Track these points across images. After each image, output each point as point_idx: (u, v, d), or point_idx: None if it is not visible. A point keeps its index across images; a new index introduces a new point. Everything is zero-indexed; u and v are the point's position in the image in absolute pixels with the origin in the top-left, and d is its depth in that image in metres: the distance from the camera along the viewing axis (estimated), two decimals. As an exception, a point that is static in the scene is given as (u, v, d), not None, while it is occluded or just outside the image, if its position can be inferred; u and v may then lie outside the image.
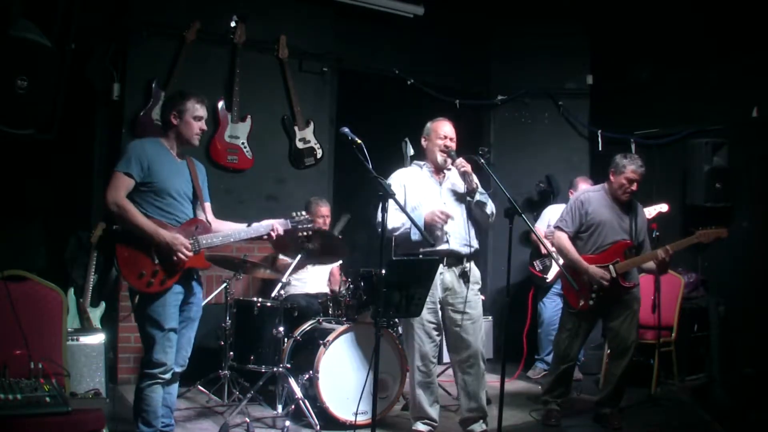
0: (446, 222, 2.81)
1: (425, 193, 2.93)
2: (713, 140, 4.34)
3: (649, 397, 3.69)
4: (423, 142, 3.03)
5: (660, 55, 4.75)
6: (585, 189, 3.39)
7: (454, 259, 2.87)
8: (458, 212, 2.90)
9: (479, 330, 2.89)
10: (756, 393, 3.61)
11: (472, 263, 2.94)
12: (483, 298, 3.03)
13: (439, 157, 2.93)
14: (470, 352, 2.87)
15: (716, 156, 4.34)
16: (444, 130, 2.97)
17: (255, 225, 2.60)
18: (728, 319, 4.21)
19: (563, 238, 3.23)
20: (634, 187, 3.18)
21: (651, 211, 3.77)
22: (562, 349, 3.28)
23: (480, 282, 2.97)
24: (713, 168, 4.31)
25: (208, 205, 2.62)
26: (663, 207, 3.78)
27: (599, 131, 4.92)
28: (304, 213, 2.72)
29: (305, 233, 2.72)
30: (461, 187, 2.94)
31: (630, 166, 3.16)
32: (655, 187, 4.40)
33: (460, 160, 2.86)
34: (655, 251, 3.14)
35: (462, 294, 2.86)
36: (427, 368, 2.91)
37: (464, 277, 2.87)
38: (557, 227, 3.29)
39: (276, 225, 2.60)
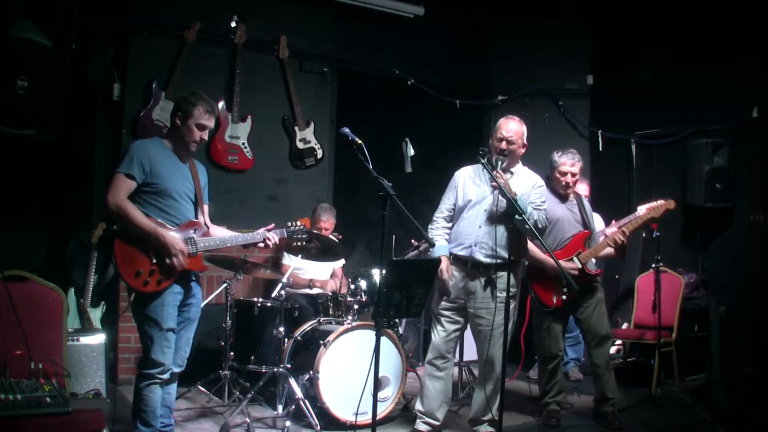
0: (444, 281, 2.82)
1: (476, 195, 2.88)
2: (714, 140, 4.34)
3: (649, 397, 3.70)
4: (490, 141, 2.92)
5: (660, 55, 4.75)
6: None
7: (478, 267, 2.84)
8: (493, 221, 2.79)
9: (495, 338, 2.83)
10: (756, 393, 3.60)
11: (504, 272, 2.77)
12: (513, 304, 2.85)
13: (495, 160, 2.80)
14: (483, 356, 2.89)
15: (716, 156, 4.33)
16: (501, 130, 2.83)
17: (251, 233, 2.61)
18: (729, 319, 4.20)
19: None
20: (568, 178, 3.25)
21: (659, 209, 3.68)
22: (545, 349, 3.31)
23: (511, 291, 2.77)
24: (713, 168, 4.31)
25: (206, 207, 2.62)
26: (671, 204, 3.67)
27: (599, 131, 4.92)
28: (299, 222, 2.72)
29: (300, 243, 2.71)
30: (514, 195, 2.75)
31: (560, 160, 3.25)
32: (656, 187, 4.40)
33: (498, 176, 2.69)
34: (611, 235, 3.21)
35: (483, 300, 2.85)
36: (437, 362, 2.93)
37: (490, 284, 2.83)
38: None
39: (270, 234, 2.60)
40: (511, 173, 2.92)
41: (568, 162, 3.24)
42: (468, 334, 3.21)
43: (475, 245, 2.83)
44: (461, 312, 2.93)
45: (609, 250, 3.23)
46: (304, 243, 2.72)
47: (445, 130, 4.98)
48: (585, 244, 3.23)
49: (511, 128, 2.85)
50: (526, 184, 2.89)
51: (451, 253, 2.93)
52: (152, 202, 2.41)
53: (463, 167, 3.01)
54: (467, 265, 2.86)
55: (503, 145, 2.83)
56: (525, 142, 2.90)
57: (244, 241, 2.58)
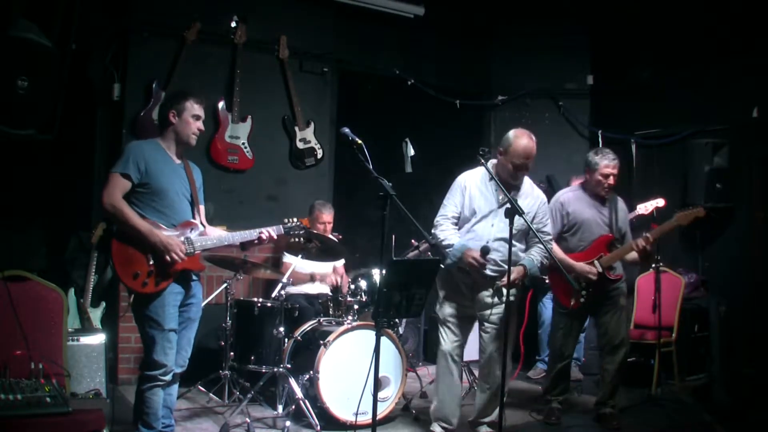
0: (479, 268, 2.75)
1: (482, 207, 2.84)
2: (714, 140, 4.34)
3: (649, 397, 3.70)
4: (499, 154, 2.84)
5: (660, 55, 4.75)
6: (563, 190, 3.40)
7: (487, 278, 2.84)
8: (501, 238, 2.79)
9: (501, 341, 2.83)
10: (756, 393, 3.60)
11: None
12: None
13: (511, 181, 2.79)
14: (486, 358, 2.90)
15: (717, 156, 4.33)
16: (521, 156, 2.73)
17: (248, 231, 2.61)
18: (729, 319, 4.21)
19: None
20: (611, 180, 3.20)
21: (648, 207, 3.76)
22: (557, 348, 3.32)
23: (508, 296, 2.83)
24: (713, 168, 4.30)
25: (201, 207, 2.63)
26: (659, 202, 3.77)
27: (600, 131, 4.92)
28: (296, 219, 2.73)
29: (298, 239, 2.72)
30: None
31: (602, 162, 3.19)
32: (656, 187, 4.40)
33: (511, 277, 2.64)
34: (635, 240, 3.16)
35: (490, 307, 2.85)
36: (448, 367, 2.93)
37: (499, 293, 2.82)
38: None
39: (266, 229, 2.61)
40: (518, 188, 2.88)
41: (611, 164, 3.17)
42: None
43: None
44: (468, 317, 2.93)
45: (633, 254, 3.18)
46: (301, 239, 2.72)
47: (445, 130, 4.99)
48: (607, 248, 3.19)
49: (531, 151, 2.76)
50: (531, 201, 2.86)
51: (458, 267, 2.85)
52: (148, 202, 2.41)
53: (467, 173, 2.94)
54: (472, 273, 2.84)
55: (521, 173, 2.79)
56: None
57: (241, 238, 2.58)
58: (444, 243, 2.83)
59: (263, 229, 2.60)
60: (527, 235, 2.86)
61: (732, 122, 4.35)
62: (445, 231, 2.88)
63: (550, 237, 2.97)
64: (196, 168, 2.64)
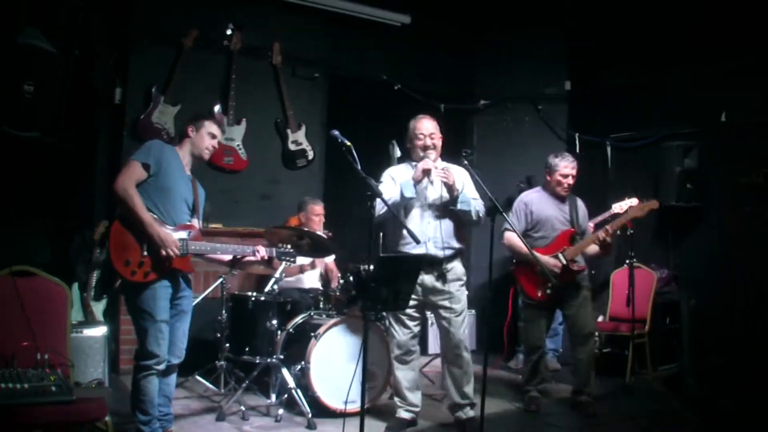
0: (429, 172, 2.82)
1: (412, 192, 2.93)
2: (684, 143, 4.49)
3: (623, 386, 3.83)
4: (407, 144, 3.05)
5: (633, 63, 4.88)
6: (525, 192, 3.57)
7: (433, 262, 2.90)
8: (439, 215, 2.92)
9: (459, 324, 2.97)
10: (724, 382, 3.72)
11: (455, 262, 2.97)
12: (466, 292, 3.07)
13: (421, 154, 2.93)
14: (454, 342, 2.98)
15: (687, 158, 4.48)
16: (422, 127, 2.95)
17: (242, 246, 2.75)
18: (698, 312, 4.34)
19: (513, 237, 3.33)
20: (569, 180, 3.38)
21: (623, 206, 3.91)
22: (529, 340, 3.44)
23: (463, 278, 3.02)
24: (684, 169, 4.45)
25: (201, 223, 2.75)
26: (633, 201, 3.88)
27: (577, 134, 5.06)
28: (289, 246, 2.85)
29: (288, 263, 2.88)
30: (445, 191, 2.92)
31: (562, 163, 3.37)
32: (630, 188, 4.57)
33: (440, 171, 2.82)
34: (596, 233, 3.33)
35: (444, 291, 2.94)
36: (404, 357, 3.02)
37: (443, 277, 2.92)
38: (506, 228, 3.40)
39: (260, 248, 2.73)
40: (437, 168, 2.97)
41: (570, 165, 3.35)
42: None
43: (429, 241, 2.89)
44: (419, 308, 2.99)
45: (594, 248, 3.33)
46: (290, 264, 2.86)
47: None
48: (570, 242, 3.34)
49: (429, 124, 2.96)
50: (461, 176, 2.97)
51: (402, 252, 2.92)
52: (154, 197, 2.50)
53: (387, 170, 3.06)
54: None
55: (427, 141, 2.93)
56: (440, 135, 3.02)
57: (234, 251, 2.68)
58: (389, 200, 2.74)
59: (258, 247, 2.72)
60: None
61: (702, 126, 4.49)
62: (378, 204, 2.68)
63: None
64: (201, 189, 2.75)
